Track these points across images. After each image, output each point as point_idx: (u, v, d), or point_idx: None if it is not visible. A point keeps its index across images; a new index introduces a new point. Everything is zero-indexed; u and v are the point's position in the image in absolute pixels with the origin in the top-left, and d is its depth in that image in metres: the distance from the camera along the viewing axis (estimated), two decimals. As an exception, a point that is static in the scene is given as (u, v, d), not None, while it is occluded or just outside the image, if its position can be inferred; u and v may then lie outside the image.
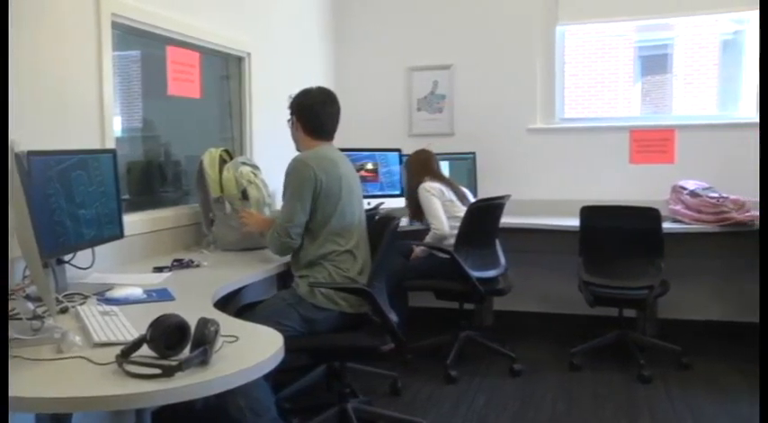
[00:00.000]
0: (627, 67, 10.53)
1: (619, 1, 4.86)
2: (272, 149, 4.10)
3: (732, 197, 4.20)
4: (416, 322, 4.39)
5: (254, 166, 3.55)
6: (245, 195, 3.36)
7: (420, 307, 4.65)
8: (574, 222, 4.04)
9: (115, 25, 2.96)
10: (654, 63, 10.59)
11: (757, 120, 4.65)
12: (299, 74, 4.60)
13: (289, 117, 3.08)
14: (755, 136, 4.61)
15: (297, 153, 3.05)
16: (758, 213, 3.97)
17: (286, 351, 1.79)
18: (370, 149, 4.80)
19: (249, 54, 4.04)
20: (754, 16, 4.67)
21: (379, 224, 3.11)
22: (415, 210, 4.14)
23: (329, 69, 5.19)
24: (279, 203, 3.36)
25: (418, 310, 4.56)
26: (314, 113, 3.01)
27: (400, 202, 4.71)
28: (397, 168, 4.83)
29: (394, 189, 4.82)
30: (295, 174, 2.88)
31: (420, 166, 4.21)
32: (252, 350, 1.73)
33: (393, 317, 2.88)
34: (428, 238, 4.00)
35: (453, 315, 4.24)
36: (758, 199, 3.94)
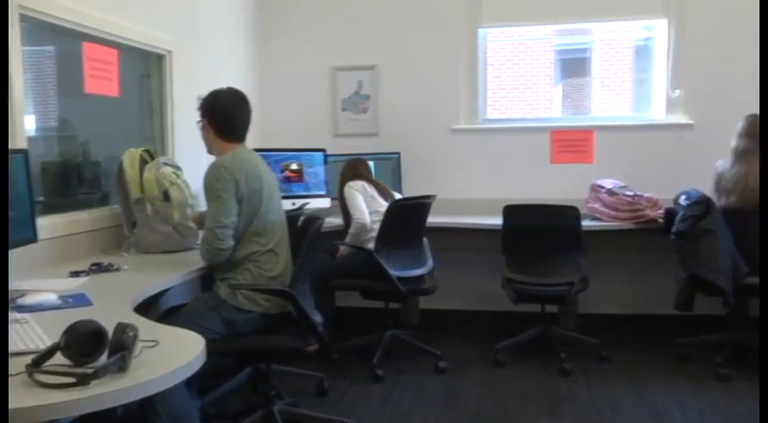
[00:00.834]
0: (548, 70, 10.83)
1: (539, 5, 4.98)
2: (194, 150, 4.00)
3: (646, 195, 4.37)
4: (343, 322, 4.41)
5: (176, 167, 3.47)
6: (166, 196, 3.28)
7: (347, 306, 4.66)
8: (497, 221, 4.12)
9: (24, 18, 2.84)
10: (573, 66, 10.91)
11: (668, 121, 4.86)
12: (222, 73, 4.53)
13: (199, 119, 3.00)
14: (666, 136, 4.82)
15: (211, 155, 3.00)
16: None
17: (209, 355, 1.76)
18: (295, 150, 4.77)
19: (170, 52, 3.95)
20: (662, 24, 4.87)
21: (303, 225, 3.09)
22: (345, 212, 4.18)
23: (253, 69, 5.13)
24: (202, 204, 3.28)
25: (345, 310, 4.57)
26: (226, 116, 2.96)
27: (325, 203, 4.71)
28: (322, 169, 4.82)
29: (319, 189, 4.80)
30: (216, 179, 2.81)
31: (350, 173, 4.31)
32: (172, 355, 1.69)
33: (317, 317, 2.87)
34: (351, 230, 4.05)
35: (379, 314, 4.26)
36: (670, 197, 4.13)
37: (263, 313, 2.83)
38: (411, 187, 4.75)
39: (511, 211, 4.06)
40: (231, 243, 2.81)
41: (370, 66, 5.16)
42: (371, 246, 3.91)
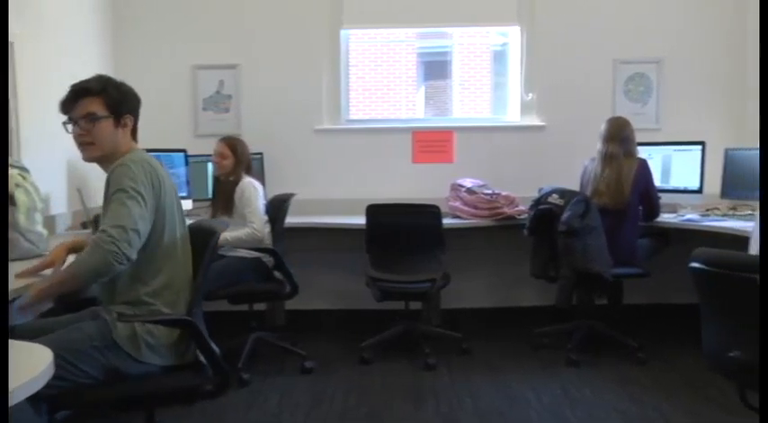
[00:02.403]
0: (410, 72, 11.06)
1: (399, 9, 5.07)
2: (43, 150, 3.79)
3: (504, 193, 4.56)
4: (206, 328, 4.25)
5: (23, 168, 3.24)
6: (12, 200, 3.07)
7: (208, 311, 4.53)
8: (360, 221, 4.17)
9: None
10: (435, 69, 11.20)
11: (522, 123, 5.11)
12: (74, 68, 4.28)
13: (106, 113, 2.46)
14: (521, 137, 5.06)
15: (87, 157, 2.49)
16: (525, 208, 4.36)
17: (79, 404, 1.54)
18: (154, 150, 4.57)
19: (13, 44, 3.69)
20: (515, 31, 5.11)
21: (198, 239, 2.51)
22: (227, 201, 4.03)
23: (107, 64, 4.89)
24: (55, 208, 3.09)
25: (207, 315, 4.44)
26: (138, 111, 2.65)
27: (187, 205, 4.57)
28: (183, 170, 4.68)
29: (180, 191, 4.63)
30: (131, 179, 2.28)
31: (246, 156, 4.16)
32: (15, 370, 1.56)
33: (215, 347, 2.38)
34: (244, 237, 3.90)
35: (243, 317, 4.19)
36: (527, 195, 4.34)
37: (163, 366, 2.31)
38: (274, 188, 4.69)
39: (374, 211, 4.13)
40: (134, 257, 2.23)
41: (231, 65, 5.06)
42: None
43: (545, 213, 4.10)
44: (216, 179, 4.25)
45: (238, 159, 4.11)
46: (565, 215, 3.93)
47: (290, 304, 4.86)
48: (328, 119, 5.13)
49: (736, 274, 2.11)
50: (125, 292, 2.34)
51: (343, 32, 5.10)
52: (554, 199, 4.07)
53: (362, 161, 5.08)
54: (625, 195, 4.13)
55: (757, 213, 2.72)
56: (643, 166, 4.22)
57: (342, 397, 3.62)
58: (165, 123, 4.98)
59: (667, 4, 5.01)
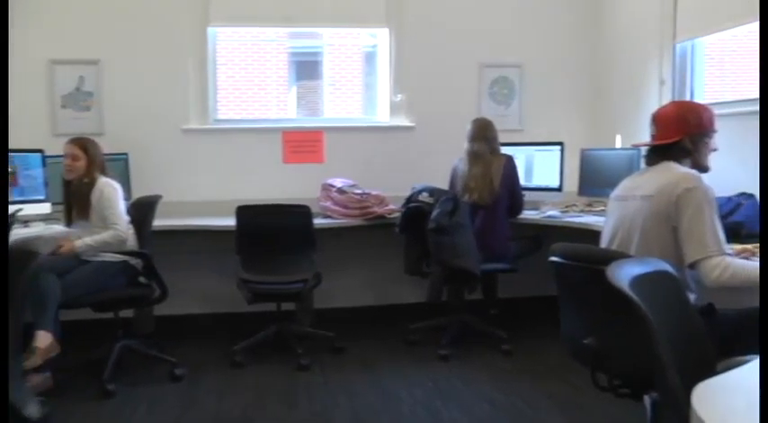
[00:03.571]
0: (281, 72, 10.98)
1: (269, 8, 5.02)
2: None
3: (374, 193, 4.62)
4: (67, 338, 4.03)
5: None
6: None
7: (69, 320, 4.31)
8: (231, 222, 4.10)
9: None
10: (307, 69, 11.19)
11: (392, 123, 5.20)
12: None
13: None
14: (390, 137, 5.15)
15: None
16: (396, 207, 4.44)
17: None
18: (9, 150, 4.29)
19: None
20: (384, 33, 5.19)
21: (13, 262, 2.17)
22: (83, 204, 3.81)
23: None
24: None
25: (67, 325, 4.22)
26: None
27: (45, 208, 4.32)
28: (40, 171, 4.40)
29: (37, 194, 4.38)
30: None
31: (99, 157, 3.93)
32: None
33: None
34: (108, 240, 3.72)
35: (109, 325, 3.99)
36: (398, 194, 4.42)
37: None
38: (141, 190, 4.51)
39: (244, 212, 4.07)
40: None
41: (92, 60, 4.82)
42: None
43: (415, 211, 4.19)
44: (66, 183, 3.97)
45: (91, 160, 3.89)
46: (434, 213, 4.03)
47: (160, 310, 4.67)
48: (196, 119, 4.99)
49: (589, 266, 2.25)
50: None
51: (210, 30, 4.98)
52: (424, 197, 4.18)
53: (232, 162, 4.98)
54: (495, 190, 4.30)
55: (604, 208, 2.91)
56: (510, 161, 4.43)
57: (213, 401, 3.55)
58: (19, 122, 4.66)
59: (527, 12, 5.26)
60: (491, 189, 4.31)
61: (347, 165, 5.01)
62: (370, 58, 7.01)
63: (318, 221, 4.37)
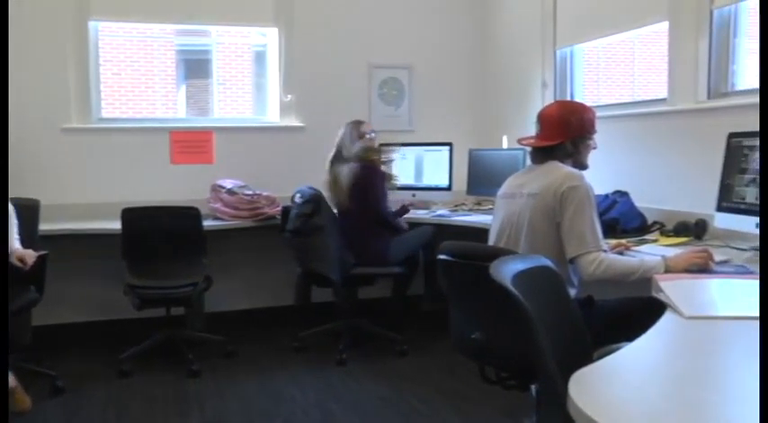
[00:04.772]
0: (169, 70, 10.68)
1: (154, 2, 4.86)
2: None
3: (265, 194, 4.57)
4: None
5: None
6: None
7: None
8: (116, 225, 3.95)
9: None
10: (196, 67, 10.95)
11: (282, 124, 5.16)
12: None
13: None
14: (281, 138, 5.11)
15: None
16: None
17: None
18: None
19: None
20: (273, 32, 5.13)
21: None
22: None
23: None
24: None
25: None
26: None
27: None
28: None
29: None
30: None
31: None
32: None
33: None
34: None
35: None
36: (288, 195, 4.38)
37: None
38: (19, 192, 4.26)
39: (129, 215, 3.93)
40: None
41: (-41, 55, 4.52)
42: None
43: (288, 214, 4.23)
44: None
45: None
46: (291, 214, 4.10)
47: (39, 319, 4.44)
48: (78, 117, 4.76)
49: (475, 263, 2.31)
50: None
51: (92, 24, 4.77)
52: (297, 199, 4.19)
53: (117, 162, 4.79)
54: (345, 195, 4.24)
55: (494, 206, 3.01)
56: (363, 170, 4.26)
57: (99, 414, 3.40)
58: None
59: (416, 14, 5.35)
60: (341, 194, 4.26)
61: (237, 165, 4.93)
62: (260, 57, 6.92)
63: (208, 223, 4.27)
